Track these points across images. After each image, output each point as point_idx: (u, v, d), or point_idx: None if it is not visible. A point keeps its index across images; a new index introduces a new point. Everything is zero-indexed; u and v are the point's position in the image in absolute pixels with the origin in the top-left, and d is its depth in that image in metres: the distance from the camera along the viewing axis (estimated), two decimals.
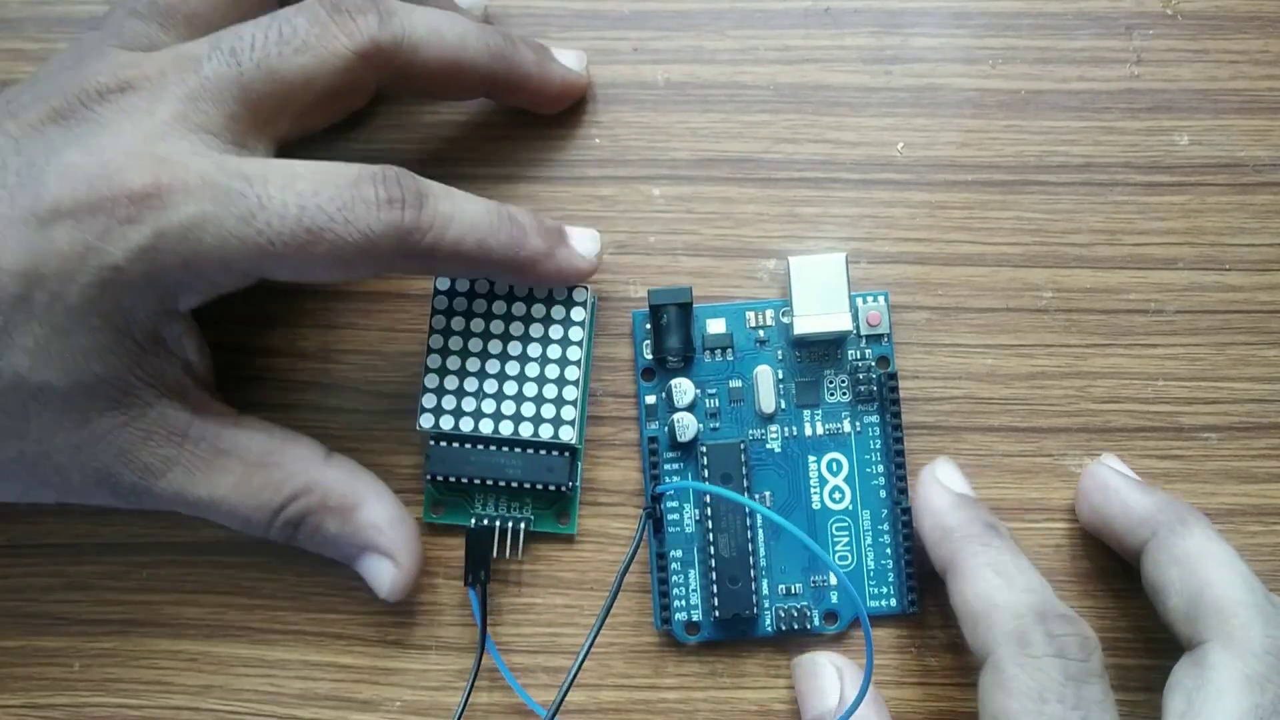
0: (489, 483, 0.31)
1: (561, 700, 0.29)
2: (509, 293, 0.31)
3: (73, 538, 0.33)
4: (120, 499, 0.29)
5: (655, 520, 0.31)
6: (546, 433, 0.31)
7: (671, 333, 0.32)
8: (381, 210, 0.27)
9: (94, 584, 0.33)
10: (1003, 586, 0.27)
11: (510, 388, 0.31)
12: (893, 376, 0.32)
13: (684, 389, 0.32)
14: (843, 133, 0.34)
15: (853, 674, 0.30)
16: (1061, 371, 0.33)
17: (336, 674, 0.33)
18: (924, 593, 0.32)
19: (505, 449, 0.31)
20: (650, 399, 0.33)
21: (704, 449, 0.32)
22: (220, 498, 0.29)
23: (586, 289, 0.32)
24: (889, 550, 0.32)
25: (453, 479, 0.31)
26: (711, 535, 0.31)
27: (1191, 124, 0.34)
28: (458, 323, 0.31)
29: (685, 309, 0.32)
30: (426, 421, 0.31)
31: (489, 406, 0.31)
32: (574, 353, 0.31)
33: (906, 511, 0.31)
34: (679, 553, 0.32)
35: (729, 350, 0.33)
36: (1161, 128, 0.34)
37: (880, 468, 0.32)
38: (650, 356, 0.33)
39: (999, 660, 0.26)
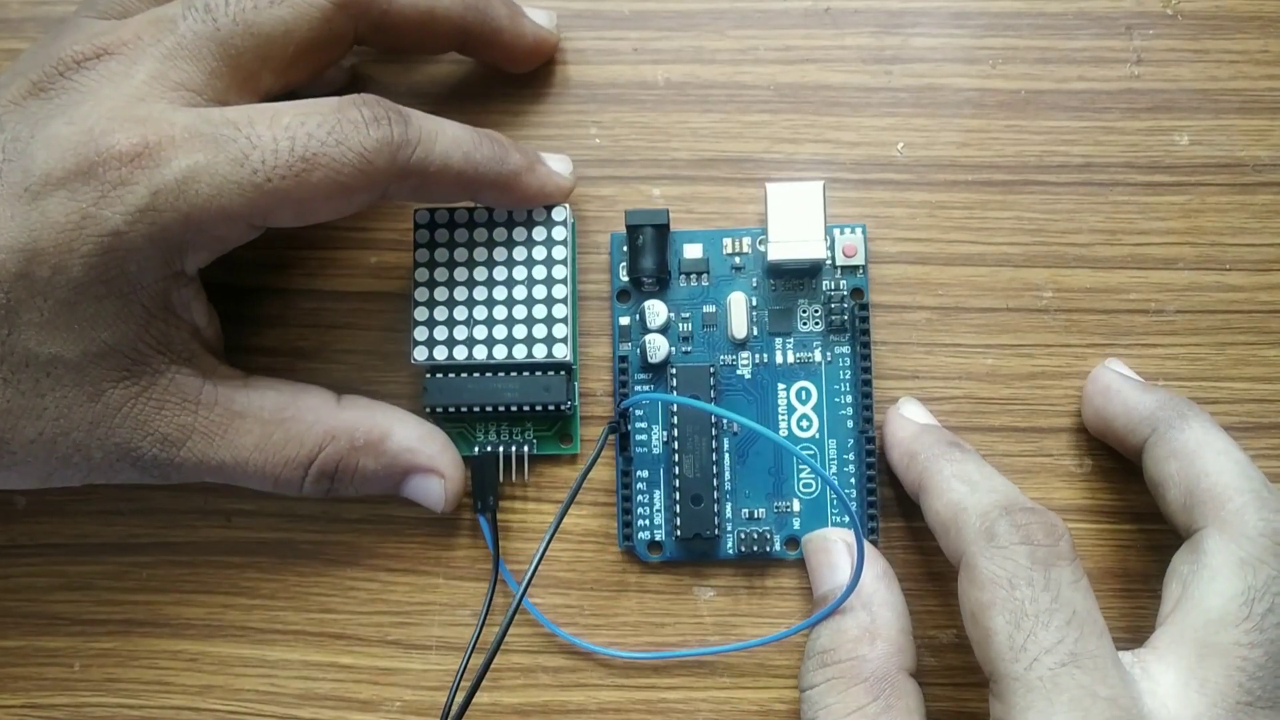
0: (488, 409, 0.31)
1: (530, 578, 0.30)
2: (489, 219, 0.31)
3: (73, 538, 0.33)
4: (145, 474, 0.29)
5: (622, 436, 0.32)
6: (540, 353, 0.31)
7: (647, 254, 0.32)
8: (370, 128, 0.28)
9: (94, 584, 0.33)
10: (969, 492, 0.28)
11: (500, 312, 0.31)
12: (864, 308, 0.32)
13: (657, 310, 0.33)
14: (843, 133, 0.34)
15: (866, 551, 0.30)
16: (1061, 371, 0.33)
17: (336, 674, 0.33)
18: (884, 522, 0.32)
19: (501, 374, 0.31)
20: (624, 320, 0.33)
21: (674, 370, 0.32)
22: (244, 459, 0.29)
23: (565, 208, 0.32)
24: (853, 479, 0.32)
25: (451, 409, 0.31)
26: (677, 456, 0.32)
27: (1191, 124, 0.34)
28: (441, 254, 0.31)
29: (662, 230, 0.32)
30: (420, 354, 0.31)
31: (480, 333, 0.31)
32: (559, 271, 0.31)
33: (871, 440, 0.32)
34: (645, 473, 0.32)
35: (704, 275, 0.33)
36: (1161, 128, 0.34)
37: (849, 398, 0.33)
38: (626, 278, 0.33)
39: (970, 558, 0.26)
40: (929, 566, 0.32)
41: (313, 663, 0.33)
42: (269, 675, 0.33)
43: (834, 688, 0.27)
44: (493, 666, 0.32)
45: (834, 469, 0.32)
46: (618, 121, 0.34)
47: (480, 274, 0.31)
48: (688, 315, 0.33)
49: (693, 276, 0.33)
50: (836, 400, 0.33)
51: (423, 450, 0.31)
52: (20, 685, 0.33)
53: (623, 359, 0.33)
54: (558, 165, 0.32)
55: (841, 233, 0.33)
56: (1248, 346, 0.33)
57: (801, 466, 0.32)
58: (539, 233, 0.31)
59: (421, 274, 0.31)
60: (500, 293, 0.31)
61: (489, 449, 0.32)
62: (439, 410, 0.31)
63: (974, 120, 0.34)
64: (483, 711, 0.32)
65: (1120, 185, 0.34)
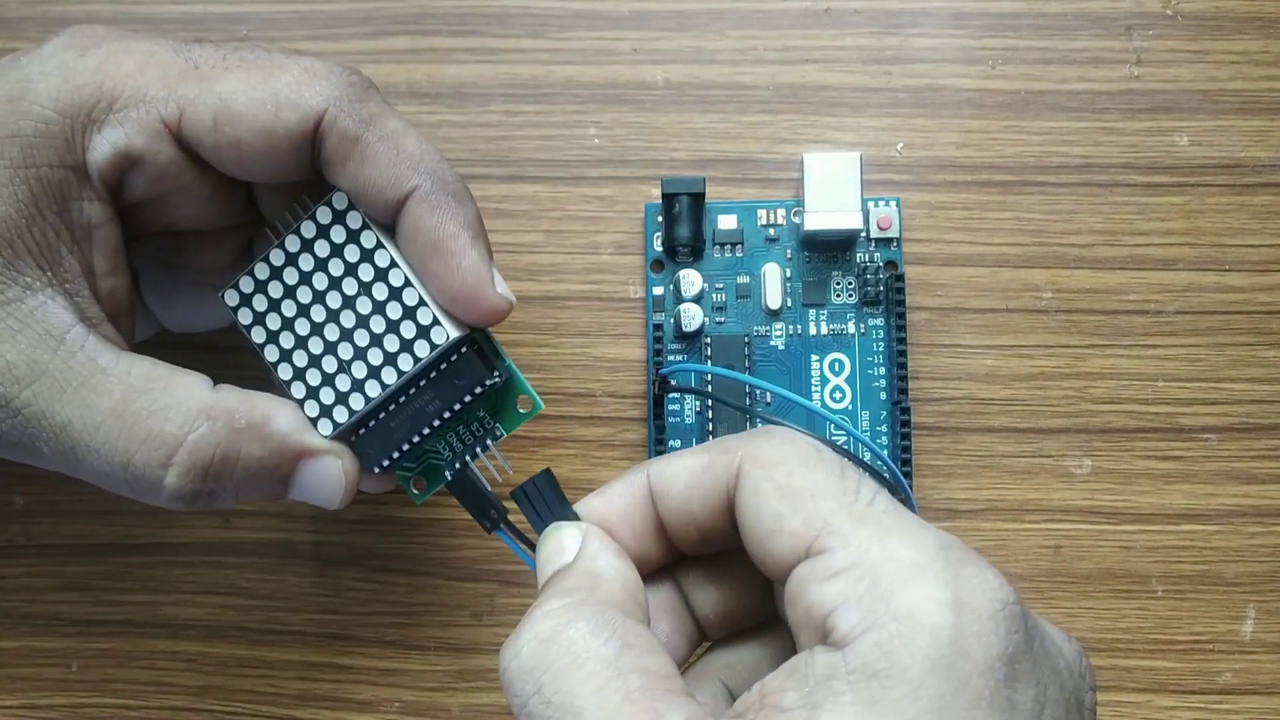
0: (426, 431, 0.28)
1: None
2: (287, 258, 0.27)
3: (71, 538, 0.33)
4: None
5: (656, 403, 0.32)
6: (424, 350, 0.27)
7: (682, 222, 0.32)
8: (327, 75, 0.26)
9: (92, 584, 0.33)
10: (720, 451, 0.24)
11: (361, 338, 0.27)
12: (899, 279, 0.32)
13: (692, 280, 0.33)
14: (843, 133, 0.34)
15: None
16: (1061, 372, 0.33)
17: (335, 674, 0.33)
18: (918, 494, 0.32)
19: (413, 391, 0.27)
20: (658, 290, 0.33)
21: (708, 339, 0.32)
22: (95, 424, 0.25)
23: (344, 196, 0.27)
24: (886, 451, 0.32)
25: (396, 454, 0.28)
26: (711, 425, 0.32)
27: (1191, 124, 0.34)
28: (273, 320, 0.28)
29: (698, 200, 0.32)
30: (325, 428, 0.27)
31: (359, 370, 0.27)
32: (381, 258, 0.27)
33: (906, 412, 0.32)
34: (677, 444, 0.33)
35: (739, 246, 0.33)
36: (1161, 128, 0.34)
37: (882, 370, 0.33)
38: (660, 248, 0.33)
39: (773, 436, 0.24)
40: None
41: (311, 663, 0.33)
42: (267, 676, 0.33)
43: (553, 641, 0.22)
44: (490, 667, 0.32)
45: (867, 441, 0.32)
46: (617, 121, 0.34)
47: (318, 314, 0.27)
48: (722, 286, 0.33)
49: (727, 247, 0.33)
50: (870, 372, 0.33)
51: (315, 432, 0.27)
52: (18, 686, 0.33)
53: (657, 328, 0.33)
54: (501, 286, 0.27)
55: (876, 205, 0.33)
56: (1248, 347, 0.33)
57: (835, 436, 0.32)
58: (337, 233, 0.27)
59: (271, 352, 0.28)
60: (348, 319, 0.27)
61: (458, 465, 0.28)
62: (389, 463, 0.28)
63: (974, 120, 0.34)
64: (483, 711, 0.32)
65: (1120, 186, 0.34)
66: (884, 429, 0.33)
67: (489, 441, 0.28)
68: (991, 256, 0.34)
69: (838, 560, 0.21)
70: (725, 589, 0.25)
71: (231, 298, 0.28)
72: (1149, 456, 0.33)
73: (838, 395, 0.33)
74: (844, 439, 0.32)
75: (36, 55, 0.25)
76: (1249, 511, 0.33)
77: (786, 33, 0.34)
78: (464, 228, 0.26)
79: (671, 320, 0.33)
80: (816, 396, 0.33)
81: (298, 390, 0.27)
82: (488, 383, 0.27)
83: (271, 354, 0.27)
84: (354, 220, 0.27)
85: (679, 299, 0.33)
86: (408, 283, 0.27)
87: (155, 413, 0.25)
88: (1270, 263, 0.33)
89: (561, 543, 0.24)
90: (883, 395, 0.33)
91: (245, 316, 0.28)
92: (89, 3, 0.35)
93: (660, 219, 0.33)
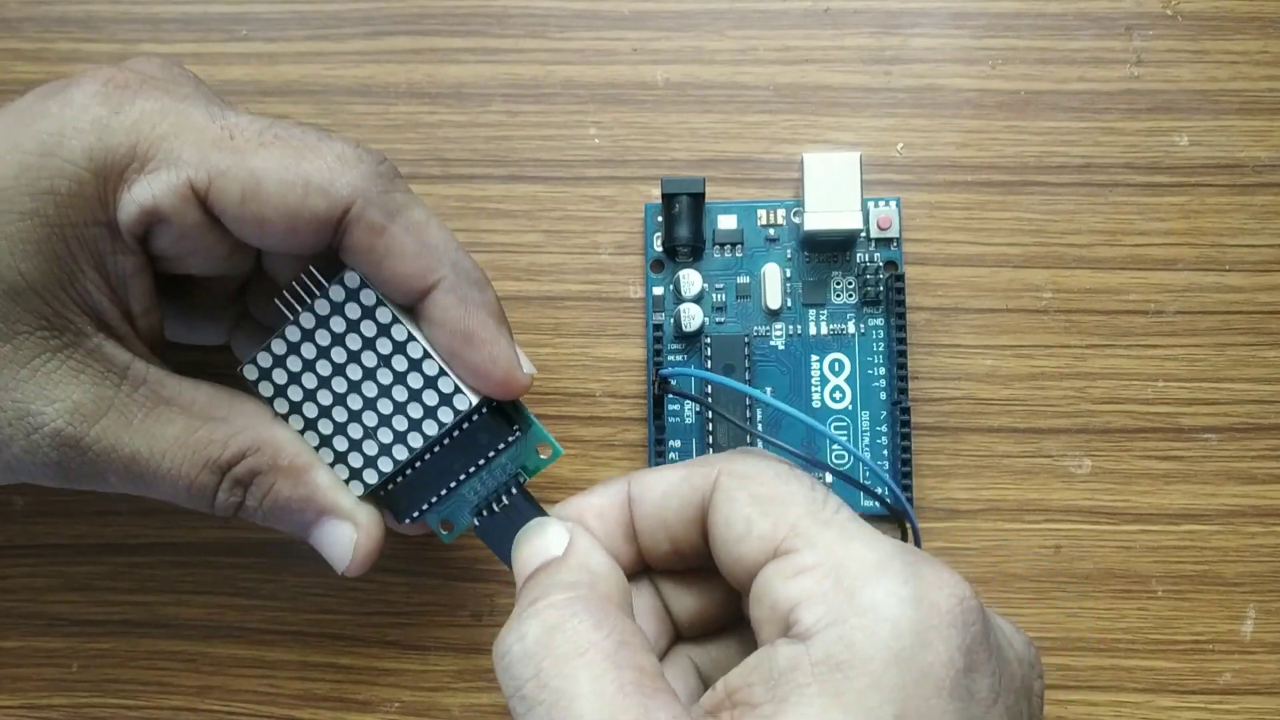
0: (453, 485, 0.29)
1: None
2: (304, 333, 0.28)
3: (72, 538, 0.33)
4: (37, 454, 0.26)
5: (656, 403, 0.32)
6: (447, 416, 0.28)
7: (682, 223, 0.32)
8: (353, 162, 0.26)
9: (92, 584, 0.33)
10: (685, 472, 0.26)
11: (385, 406, 0.28)
12: (899, 279, 0.32)
13: (692, 280, 0.33)
14: (843, 133, 0.34)
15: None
16: (1061, 372, 0.33)
17: (335, 675, 0.33)
18: (918, 494, 0.32)
19: (439, 448, 0.29)
20: (658, 290, 0.33)
21: (708, 339, 0.32)
22: (162, 452, 0.26)
23: (356, 275, 0.27)
24: (885, 451, 0.32)
25: (425, 507, 0.29)
26: (711, 425, 0.32)
27: (1191, 124, 0.34)
28: (294, 392, 0.28)
29: (697, 199, 0.32)
30: (356, 490, 0.28)
31: (385, 436, 0.28)
32: (399, 332, 0.28)
33: (906, 412, 0.32)
34: (678, 443, 0.33)
35: (739, 246, 0.33)
36: (1161, 128, 0.34)
37: (882, 370, 0.33)
38: (660, 248, 0.33)
39: (738, 464, 0.25)
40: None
41: (311, 663, 0.33)
42: (267, 676, 0.33)
43: (557, 629, 0.23)
44: (490, 667, 0.32)
45: (867, 441, 0.33)
46: (617, 121, 0.34)
47: (340, 385, 0.28)
48: (722, 286, 0.33)
49: (727, 247, 0.33)
50: (870, 373, 0.33)
51: (346, 496, 0.28)
52: (18, 686, 0.33)
53: (657, 328, 0.32)
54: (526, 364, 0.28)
55: (876, 205, 0.33)
56: (1248, 347, 0.33)
57: (837, 461, 0.33)
58: (352, 310, 0.28)
59: (296, 421, 0.28)
60: (370, 389, 0.28)
61: (485, 513, 0.29)
62: (417, 516, 0.29)
63: (974, 121, 0.34)
64: (483, 711, 0.32)
65: (1120, 186, 0.34)
66: (884, 429, 0.33)
67: (513, 489, 0.29)
68: (991, 256, 0.34)
69: (804, 559, 0.23)
70: (699, 594, 0.27)
71: (251, 372, 0.28)
72: (1149, 456, 0.33)
73: (838, 395, 0.33)
74: (845, 462, 0.32)
75: (67, 103, 0.25)
76: (1249, 511, 0.33)
77: (786, 33, 0.34)
78: (491, 316, 0.27)
79: (671, 320, 0.33)
80: (816, 396, 0.33)
81: (325, 456, 0.28)
82: (509, 439, 0.28)
83: (297, 423, 0.28)
84: (368, 297, 0.28)
85: (679, 299, 0.33)
86: (426, 354, 0.28)
87: (215, 442, 0.27)
88: (1270, 263, 0.33)
89: (548, 538, 0.25)
90: (883, 395, 0.33)
91: (266, 389, 0.28)
92: (89, 3, 0.35)
93: (660, 219, 0.33)
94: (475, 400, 0.28)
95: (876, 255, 0.33)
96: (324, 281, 0.27)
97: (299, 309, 0.28)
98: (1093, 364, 0.33)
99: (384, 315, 0.28)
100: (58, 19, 0.35)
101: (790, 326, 0.33)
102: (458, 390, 0.28)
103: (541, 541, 0.25)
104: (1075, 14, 0.34)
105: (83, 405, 0.25)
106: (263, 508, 0.28)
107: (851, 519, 0.24)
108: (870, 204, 0.33)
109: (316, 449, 0.28)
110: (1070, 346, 0.33)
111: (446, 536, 0.30)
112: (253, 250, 0.28)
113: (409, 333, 0.28)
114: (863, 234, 0.33)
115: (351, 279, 0.27)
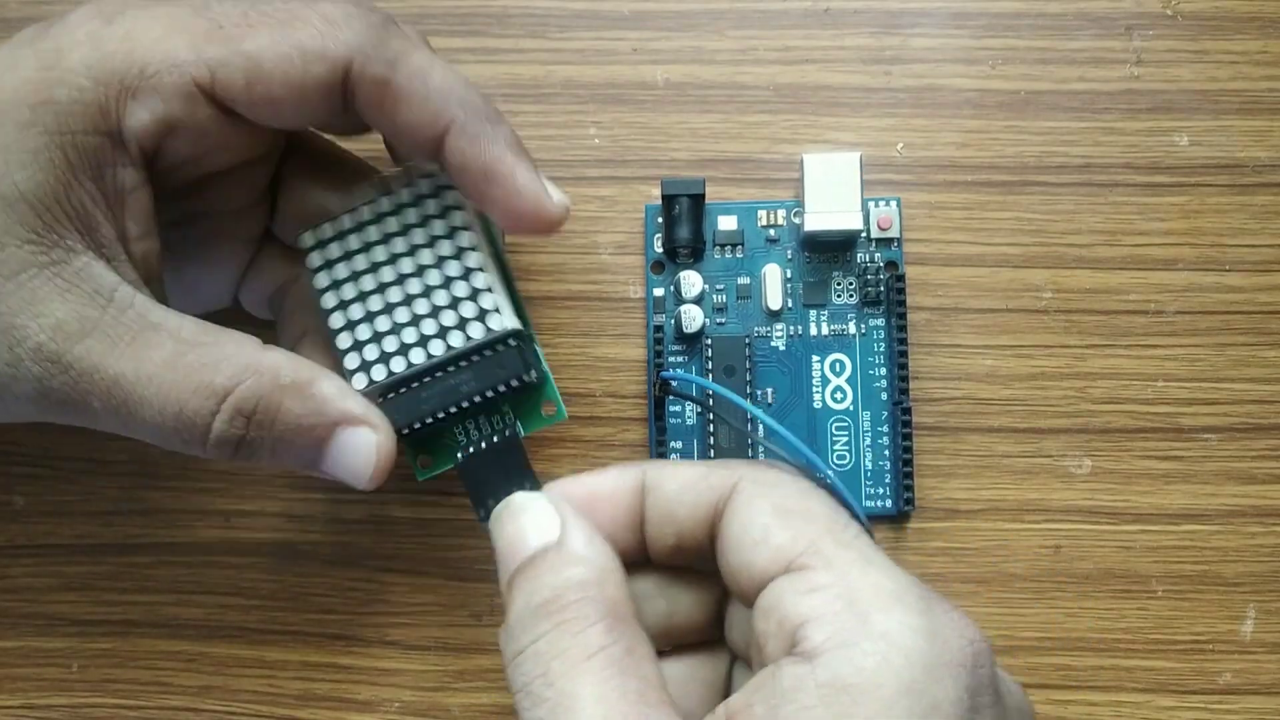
0: (453, 410, 0.28)
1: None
2: (377, 215, 0.29)
3: (71, 538, 0.33)
4: (19, 367, 0.25)
5: (658, 404, 0.32)
6: (478, 332, 0.28)
7: (682, 224, 0.32)
8: (345, 23, 0.26)
9: (92, 584, 0.33)
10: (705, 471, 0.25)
11: (422, 306, 0.28)
12: (900, 279, 0.32)
13: (692, 281, 0.33)
14: (842, 133, 0.34)
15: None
16: (1061, 372, 0.33)
17: (335, 675, 0.33)
18: (918, 494, 0.32)
19: (453, 368, 0.28)
20: (659, 291, 0.33)
21: (709, 341, 0.32)
22: (149, 375, 0.25)
23: (444, 176, 0.29)
24: (887, 452, 0.33)
25: (418, 425, 0.28)
26: (713, 426, 0.32)
27: (1191, 124, 0.34)
28: (341, 270, 0.29)
29: (698, 201, 0.32)
30: (360, 381, 0.28)
31: (410, 336, 0.28)
32: (465, 238, 0.28)
33: (907, 412, 0.32)
34: (679, 444, 0.33)
35: (739, 247, 0.33)
36: (1161, 128, 0.34)
37: (883, 370, 0.33)
38: (660, 250, 0.33)
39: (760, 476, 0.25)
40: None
41: (311, 663, 0.33)
42: (268, 676, 0.33)
43: (567, 630, 0.22)
44: (491, 667, 0.32)
45: (868, 441, 0.33)
46: (617, 121, 0.34)
47: (388, 275, 0.28)
48: (722, 287, 0.33)
49: (727, 248, 0.33)
50: (870, 373, 0.33)
51: (356, 402, 0.27)
52: (18, 686, 0.33)
53: (658, 329, 0.32)
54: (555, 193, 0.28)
55: (876, 205, 0.33)
56: (1248, 347, 0.33)
57: (835, 439, 0.33)
58: (430, 206, 0.29)
59: (329, 299, 0.29)
60: (415, 286, 0.28)
61: (472, 450, 0.28)
62: (408, 432, 0.28)
63: (974, 121, 0.34)
64: (483, 711, 0.32)
65: (1120, 186, 0.34)
66: (885, 429, 0.33)
67: (506, 434, 0.29)
68: (991, 256, 0.34)
69: (819, 578, 0.22)
70: (674, 605, 0.26)
71: (308, 240, 0.29)
72: (1149, 456, 0.33)
73: (839, 396, 0.33)
74: (846, 464, 0.33)
75: (63, 25, 0.26)
76: (1249, 511, 0.33)
77: (786, 33, 0.34)
78: (508, 148, 0.27)
79: (672, 322, 0.33)
80: (818, 397, 0.33)
81: (344, 340, 0.28)
82: (524, 378, 0.28)
83: (330, 301, 0.28)
84: (451, 198, 0.29)
85: (679, 300, 0.33)
86: (482, 268, 0.28)
87: (206, 365, 0.25)
88: (1270, 263, 0.33)
89: (540, 519, 0.24)
90: (884, 395, 0.33)
91: (315, 260, 0.29)
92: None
93: (660, 220, 0.33)
94: (511, 325, 0.28)
95: (877, 255, 0.33)
96: (416, 174, 0.29)
97: (376, 195, 0.29)
98: (1093, 364, 0.33)
99: (458, 219, 0.28)
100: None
101: (791, 327, 0.33)
102: (497, 310, 0.28)
103: (532, 521, 0.24)
104: (1075, 14, 0.34)
105: (66, 323, 0.25)
106: (272, 434, 0.26)
107: (870, 546, 0.23)
108: (871, 204, 0.33)
109: (338, 331, 0.28)
110: (1070, 346, 0.33)
111: (422, 473, 0.30)
112: (268, 133, 0.28)
113: (475, 240, 0.28)
114: (863, 234, 0.33)
115: (442, 177, 0.29)
